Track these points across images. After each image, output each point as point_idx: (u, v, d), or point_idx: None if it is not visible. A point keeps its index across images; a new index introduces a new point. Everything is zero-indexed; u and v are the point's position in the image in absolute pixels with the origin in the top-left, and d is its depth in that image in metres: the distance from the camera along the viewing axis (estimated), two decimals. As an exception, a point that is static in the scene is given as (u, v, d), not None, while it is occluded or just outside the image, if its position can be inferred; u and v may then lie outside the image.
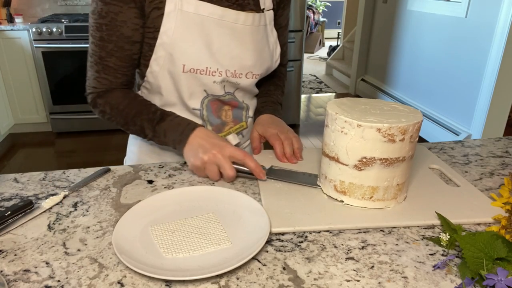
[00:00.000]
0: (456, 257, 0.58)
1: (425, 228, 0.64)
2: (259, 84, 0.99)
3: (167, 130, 0.81)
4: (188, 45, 0.80)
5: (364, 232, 0.64)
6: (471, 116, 2.97)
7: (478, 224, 0.66)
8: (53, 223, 0.66)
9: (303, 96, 4.89)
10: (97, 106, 0.86)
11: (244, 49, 0.85)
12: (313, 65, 6.62)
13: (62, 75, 3.32)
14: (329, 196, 0.72)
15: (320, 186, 0.74)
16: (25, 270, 0.55)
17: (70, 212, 0.69)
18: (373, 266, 0.56)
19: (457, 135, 3.07)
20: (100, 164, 1.94)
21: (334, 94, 5.08)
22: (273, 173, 0.79)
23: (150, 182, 0.79)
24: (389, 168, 0.65)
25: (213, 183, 0.78)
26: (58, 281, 0.53)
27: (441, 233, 0.61)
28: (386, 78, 4.26)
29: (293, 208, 0.68)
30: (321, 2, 7.88)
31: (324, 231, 0.64)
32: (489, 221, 0.66)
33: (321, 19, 7.65)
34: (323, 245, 0.60)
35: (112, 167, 0.85)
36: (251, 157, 0.76)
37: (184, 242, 0.60)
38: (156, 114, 0.82)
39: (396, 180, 0.67)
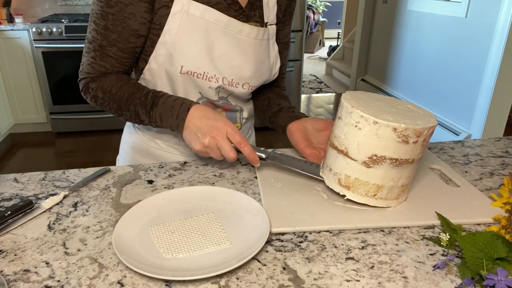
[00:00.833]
0: (456, 257, 0.58)
1: (425, 228, 0.64)
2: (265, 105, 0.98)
3: (162, 114, 0.79)
4: (189, 47, 0.80)
5: (364, 232, 0.64)
6: (471, 116, 2.97)
7: (478, 224, 0.66)
8: (53, 223, 0.66)
9: (303, 96, 4.89)
10: (90, 91, 0.84)
11: (245, 60, 0.85)
12: (313, 65, 6.62)
13: (62, 75, 3.32)
14: (328, 193, 0.71)
15: (322, 178, 0.74)
16: (25, 270, 0.55)
17: (70, 212, 0.69)
18: (373, 266, 0.56)
19: (457, 135, 3.07)
20: (100, 164, 1.94)
21: (334, 94, 5.08)
22: (274, 158, 0.79)
23: (150, 182, 0.79)
24: (397, 169, 0.65)
25: (213, 183, 0.78)
26: (58, 281, 0.53)
27: (441, 233, 0.61)
28: (386, 78, 4.26)
29: (293, 208, 0.68)
30: (321, 2, 7.88)
31: (324, 231, 0.64)
32: (489, 221, 0.66)
33: (321, 19, 7.65)
34: (323, 245, 0.60)
35: (112, 167, 0.85)
36: (247, 142, 0.76)
37: (184, 242, 0.60)
38: (148, 98, 0.80)
39: (402, 181, 0.67)
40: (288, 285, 0.52)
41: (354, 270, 0.55)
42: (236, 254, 0.57)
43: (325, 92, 5.14)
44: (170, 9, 0.78)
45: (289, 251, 0.59)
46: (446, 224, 0.62)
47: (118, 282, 0.53)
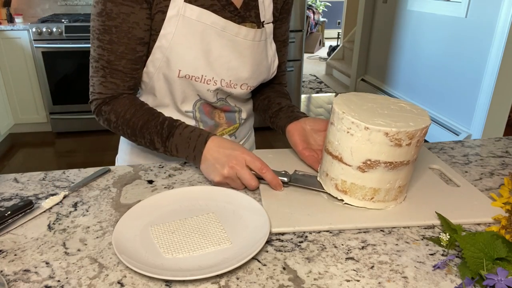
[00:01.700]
0: (456, 257, 0.58)
1: (425, 228, 0.64)
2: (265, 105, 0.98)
3: (178, 146, 0.78)
4: (186, 51, 0.80)
5: (364, 232, 0.64)
6: (471, 116, 2.97)
7: (478, 224, 0.66)
8: (53, 223, 0.66)
9: (303, 96, 4.89)
10: (102, 114, 0.83)
11: (242, 62, 0.85)
12: (313, 65, 6.62)
13: (62, 75, 3.32)
14: (329, 194, 0.72)
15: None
16: (25, 270, 0.55)
17: (70, 212, 0.69)
18: (373, 266, 0.56)
19: (457, 135, 3.07)
20: (100, 164, 1.94)
21: (334, 94, 5.08)
22: (297, 180, 0.76)
23: (150, 182, 0.79)
24: (393, 171, 0.65)
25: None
26: (58, 281, 0.53)
27: (441, 233, 0.61)
28: (386, 78, 4.26)
29: (293, 208, 0.68)
30: (321, 2, 7.88)
31: (324, 231, 0.64)
32: (489, 221, 0.66)
33: (321, 19, 7.65)
34: (323, 245, 0.60)
35: (112, 167, 0.85)
36: (268, 167, 0.74)
37: (184, 242, 0.60)
38: (164, 127, 0.79)
39: (398, 183, 0.67)
40: (288, 285, 0.52)
41: (354, 270, 0.55)
42: (236, 254, 0.57)
43: (325, 92, 5.14)
44: (166, 14, 0.78)
45: (289, 251, 0.59)
46: (446, 224, 0.62)
47: (118, 282, 0.53)
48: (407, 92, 3.86)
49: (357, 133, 0.63)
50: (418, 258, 0.57)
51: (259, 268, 0.55)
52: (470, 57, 2.95)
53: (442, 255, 0.58)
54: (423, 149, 0.92)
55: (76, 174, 0.82)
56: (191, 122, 0.90)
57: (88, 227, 0.65)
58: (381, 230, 0.64)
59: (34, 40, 3.17)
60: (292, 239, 0.62)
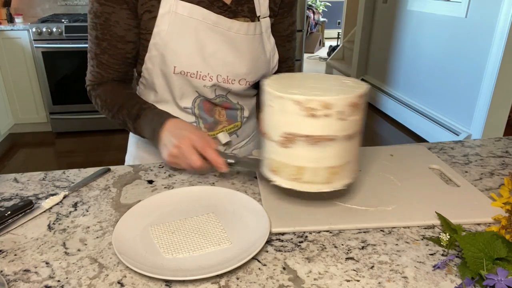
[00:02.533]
0: (456, 257, 0.58)
1: (425, 228, 0.64)
2: None
3: (143, 127, 0.82)
4: (180, 47, 0.81)
5: (364, 232, 0.64)
6: (471, 116, 2.97)
7: (478, 224, 0.66)
8: (53, 223, 0.66)
9: (303, 96, 4.87)
10: (92, 98, 0.89)
11: (239, 56, 0.85)
12: (313, 65, 6.62)
13: (62, 75, 3.32)
14: (329, 194, 0.70)
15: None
16: (25, 270, 0.55)
17: (70, 212, 0.69)
18: (373, 266, 0.56)
19: (457, 135, 3.07)
20: (100, 164, 1.94)
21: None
22: (244, 163, 0.76)
23: (150, 182, 0.79)
24: (316, 148, 0.60)
25: (213, 183, 0.78)
26: (58, 281, 0.53)
27: (441, 233, 0.61)
28: (386, 78, 4.26)
29: (293, 208, 0.68)
30: (321, 2, 7.88)
31: (324, 231, 0.64)
32: (489, 221, 0.66)
33: (321, 19, 7.65)
34: (323, 245, 0.60)
35: (112, 167, 0.85)
36: (212, 147, 0.74)
37: (184, 242, 0.60)
38: (134, 110, 0.82)
39: (326, 162, 0.61)
40: (288, 285, 0.52)
41: (354, 270, 0.55)
42: (236, 254, 0.57)
43: (325, 92, 5.13)
44: (154, 13, 0.79)
45: (289, 251, 0.59)
46: (446, 224, 0.62)
47: (118, 282, 0.53)
48: (407, 92, 3.86)
49: (274, 104, 0.60)
50: (418, 258, 0.57)
51: (259, 268, 0.55)
52: (470, 57, 2.95)
53: (442, 255, 0.58)
54: (423, 149, 0.92)
55: (76, 174, 0.82)
56: (190, 119, 0.90)
57: (88, 227, 0.65)
58: (381, 230, 0.64)
59: (34, 40, 3.17)
60: (292, 239, 0.62)
